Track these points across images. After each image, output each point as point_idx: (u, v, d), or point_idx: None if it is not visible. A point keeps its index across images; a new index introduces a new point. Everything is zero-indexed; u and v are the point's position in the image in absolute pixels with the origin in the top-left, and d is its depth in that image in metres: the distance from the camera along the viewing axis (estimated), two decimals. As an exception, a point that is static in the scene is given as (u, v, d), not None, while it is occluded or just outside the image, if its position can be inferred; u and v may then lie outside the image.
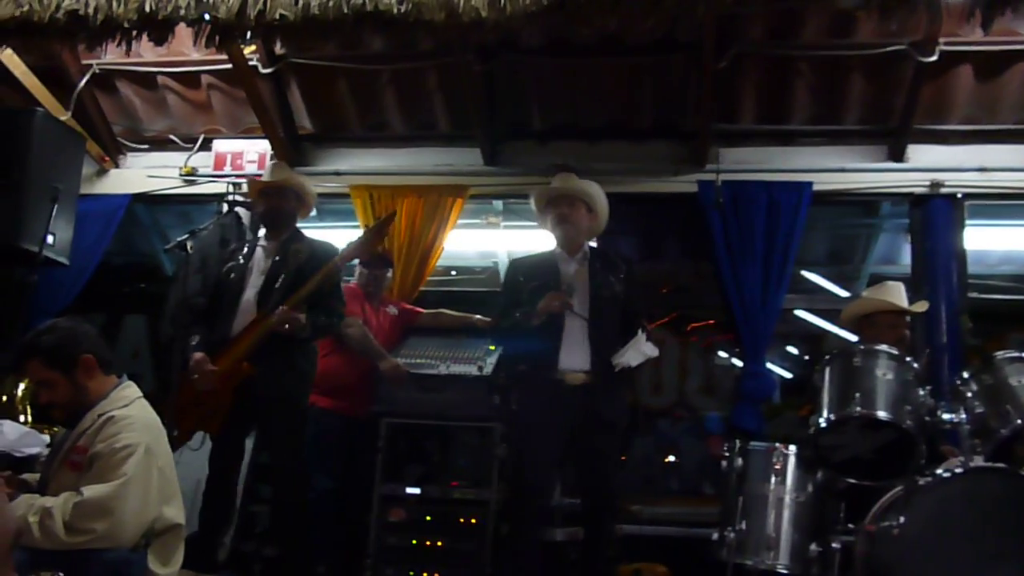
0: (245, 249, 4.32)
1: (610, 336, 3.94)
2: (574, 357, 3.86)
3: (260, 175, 4.85)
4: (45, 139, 4.93)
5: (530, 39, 5.09)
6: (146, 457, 2.73)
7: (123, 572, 2.66)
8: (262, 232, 4.48)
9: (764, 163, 5.38)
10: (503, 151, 5.69)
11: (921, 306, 4.33)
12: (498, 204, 5.92)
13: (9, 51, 5.01)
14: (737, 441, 3.75)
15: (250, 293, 4.16)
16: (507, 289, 4.19)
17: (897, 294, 4.16)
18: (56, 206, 4.80)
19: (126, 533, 2.65)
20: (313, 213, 5.71)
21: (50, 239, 4.82)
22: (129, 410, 2.83)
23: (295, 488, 4.11)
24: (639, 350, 3.87)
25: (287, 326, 3.97)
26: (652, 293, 6.39)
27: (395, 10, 3.37)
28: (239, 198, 5.60)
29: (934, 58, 4.84)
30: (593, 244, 4.28)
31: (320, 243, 4.35)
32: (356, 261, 4.86)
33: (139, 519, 2.69)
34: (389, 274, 5.05)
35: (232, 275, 4.22)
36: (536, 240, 5.17)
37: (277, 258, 4.20)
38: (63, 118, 5.45)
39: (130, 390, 2.94)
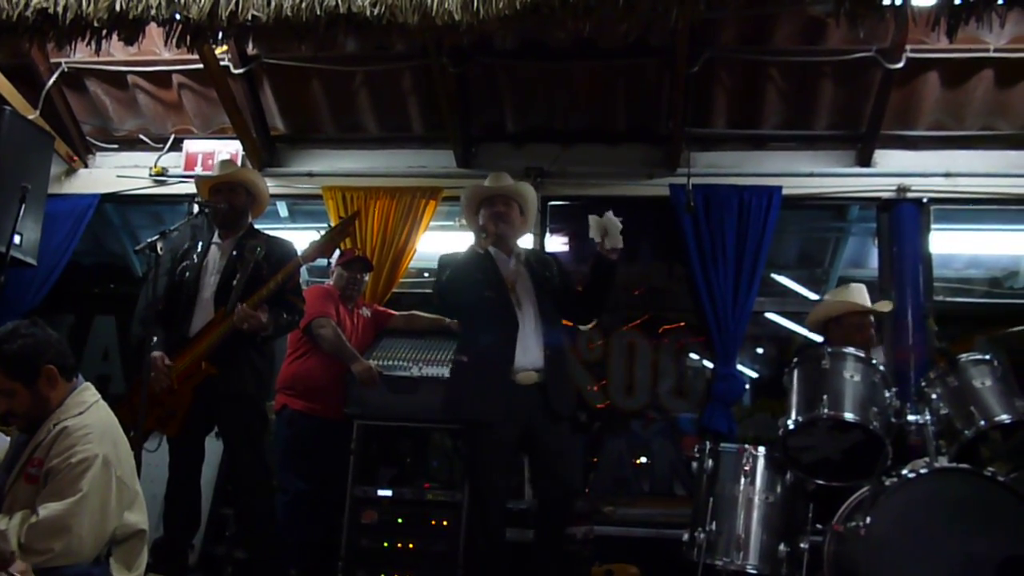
0: (199, 248, 4.25)
1: (557, 333, 3.95)
2: (527, 356, 3.84)
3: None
4: (13, 138, 4.86)
5: (504, 42, 5.11)
6: (103, 469, 2.66)
7: (87, 587, 2.60)
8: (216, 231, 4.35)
9: (735, 167, 5.44)
10: (477, 153, 5.70)
11: (885, 306, 4.40)
12: (473, 206, 5.92)
13: (-24, 49, 4.94)
14: (708, 443, 3.79)
15: (207, 292, 4.10)
16: (444, 287, 3.99)
17: (860, 295, 4.22)
18: (24, 206, 4.74)
19: (84, 549, 2.59)
20: (284, 214, 5.67)
21: (17, 239, 4.75)
22: (85, 418, 2.75)
23: (258, 488, 4.07)
24: (614, 228, 3.82)
25: (246, 325, 3.94)
26: (625, 295, 6.43)
27: (368, 12, 3.37)
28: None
29: (901, 65, 4.92)
30: (522, 245, 4.23)
31: (276, 239, 4.28)
32: (334, 262, 4.85)
33: (97, 533, 2.63)
34: (366, 277, 5.04)
35: (187, 274, 4.15)
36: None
37: (234, 255, 4.13)
38: (31, 117, 5.38)
39: (87, 394, 2.86)
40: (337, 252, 4.72)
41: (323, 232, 4.34)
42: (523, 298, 3.93)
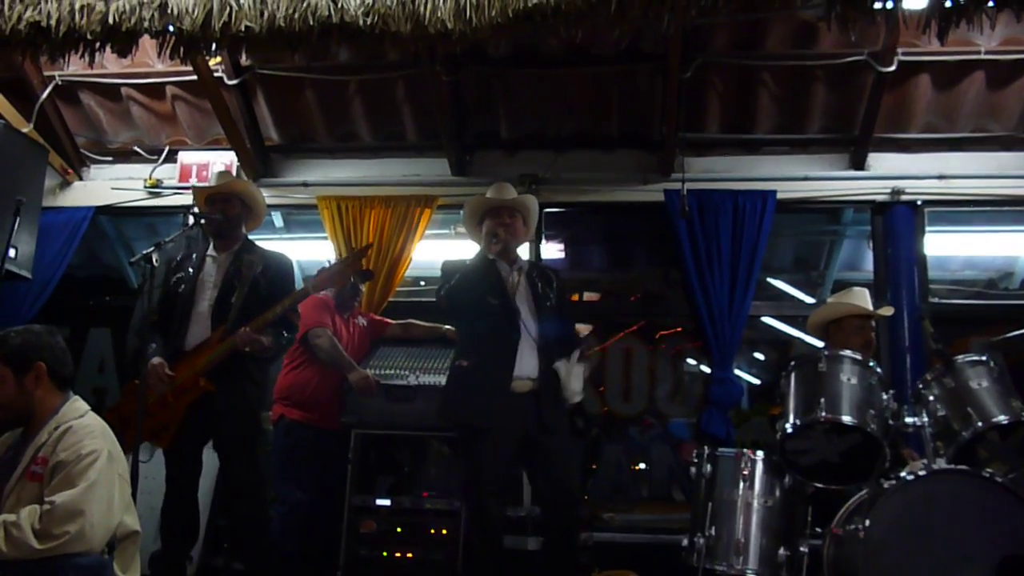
0: (194, 260, 4.24)
1: (553, 344, 4.01)
2: (523, 365, 3.90)
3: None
4: (6, 151, 4.86)
5: (497, 50, 5.12)
6: (108, 463, 2.76)
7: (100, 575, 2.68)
8: (211, 243, 4.35)
9: (729, 172, 5.46)
10: (471, 161, 5.71)
11: (887, 310, 4.40)
12: (466, 214, 5.92)
13: (-31, 63, 4.95)
14: (706, 447, 3.78)
15: (203, 305, 4.10)
16: (451, 292, 4.02)
17: (863, 298, 4.22)
18: (18, 219, 4.74)
19: (96, 536, 2.66)
20: (280, 224, 5.66)
21: (12, 252, 4.75)
22: (85, 420, 2.86)
23: (252, 500, 4.05)
24: (579, 375, 3.97)
25: (249, 348, 3.94)
26: (621, 301, 6.43)
27: (361, 22, 3.37)
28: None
29: (893, 68, 4.94)
30: (524, 256, 4.31)
31: (274, 254, 4.28)
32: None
33: (106, 523, 2.71)
34: (363, 288, 5.03)
35: (182, 287, 4.15)
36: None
37: (232, 269, 4.14)
38: (25, 130, 5.38)
39: (80, 403, 2.96)
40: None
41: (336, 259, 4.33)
42: (522, 308, 3.99)
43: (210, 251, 4.26)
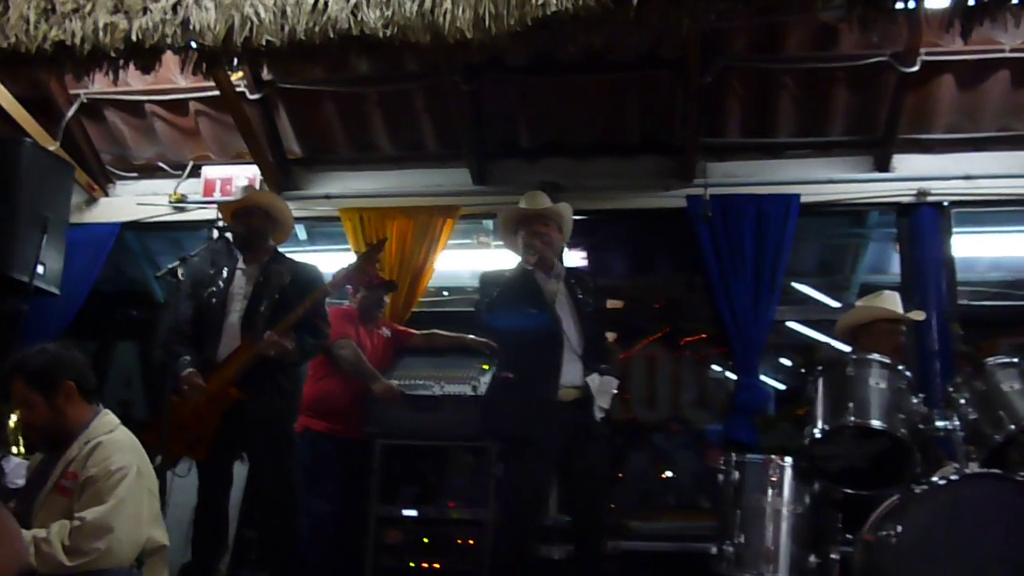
0: (225, 273, 4.29)
1: (595, 351, 4.02)
2: (568, 374, 3.91)
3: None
4: (34, 169, 4.93)
5: (516, 58, 5.12)
6: (138, 479, 2.78)
7: (128, 591, 2.70)
8: (240, 256, 4.41)
9: (751, 176, 5.42)
10: (492, 170, 5.71)
11: (918, 315, 4.34)
12: (488, 223, 5.93)
13: (-4, 82, 5.02)
14: (733, 454, 3.75)
15: (234, 317, 4.14)
16: (493, 305, 4.05)
17: (894, 302, 4.18)
18: (46, 236, 4.80)
19: (124, 552, 2.68)
20: (303, 237, 5.70)
21: (40, 269, 4.81)
22: (115, 435, 2.88)
23: (283, 512, 4.08)
24: (607, 392, 3.96)
25: (272, 352, 3.96)
26: (645, 308, 6.40)
27: (380, 33, 3.38)
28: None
29: (916, 68, 4.89)
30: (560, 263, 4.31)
31: (303, 265, 4.32)
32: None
33: (134, 539, 2.72)
34: (387, 298, 5.05)
35: (213, 300, 4.19)
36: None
37: (260, 280, 4.17)
38: (51, 148, 5.46)
39: (110, 417, 2.97)
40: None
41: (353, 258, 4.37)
42: (563, 316, 3.99)
43: (240, 264, 4.31)
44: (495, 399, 4.07)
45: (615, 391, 4.02)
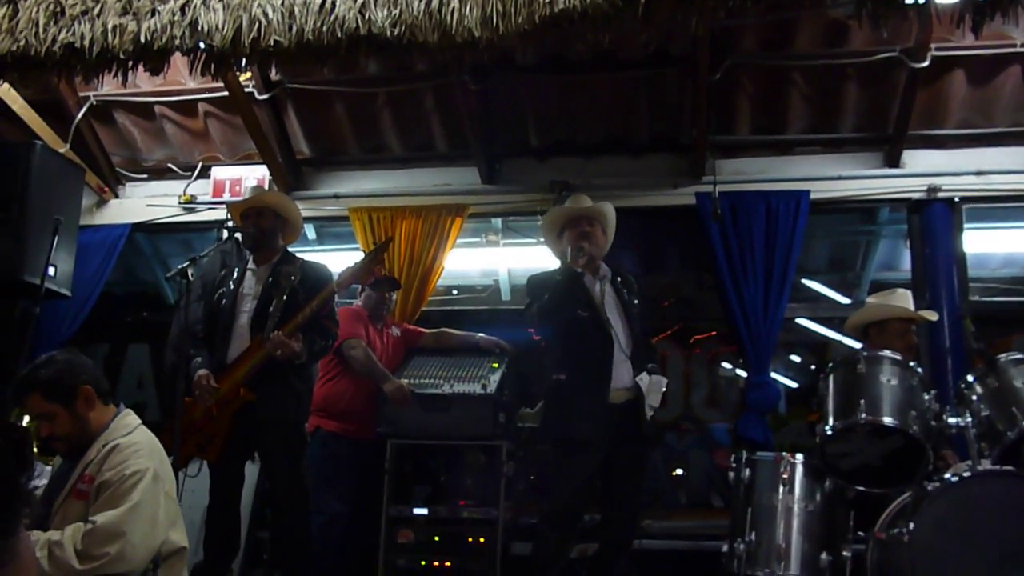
0: (235, 275, 4.30)
1: (643, 351, 4.05)
2: (619, 375, 3.93)
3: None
4: (44, 172, 4.94)
5: (525, 57, 5.12)
6: (154, 483, 2.76)
7: (138, 596, 2.68)
8: (250, 257, 4.42)
9: (761, 173, 5.40)
10: (501, 169, 5.71)
11: (931, 315, 4.32)
12: (497, 222, 5.93)
13: (6, 85, 5.03)
14: (744, 452, 3.75)
15: (243, 318, 4.14)
16: (544, 307, 4.03)
17: (907, 301, 4.16)
18: (57, 238, 4.81)
19: (137, 557, 2.67)
20: (313, 236, 5.70)
21: (52, 271, 4.82)
22: (133, 437, 2.86)
23: (295, 512, 4.08)
24: (658, 390, 3.98)
25: (280, 352, 3.97)
26: (655, 306, 6.39)
27: (389, 33, 3.38)
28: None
29: (926, 64, 4.86)
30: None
31: (312, 264, 4.32)
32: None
33: (148, 543, 2.71)
34: (395, 297, 5.06)
35: (223, 301, 4.20)
36: (537, 257, 5.18)
37: (270, 280, 4.18)
38: (62, 150, 5.48)
39: (130, 418, 2.96)
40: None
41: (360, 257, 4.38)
42: (612, 317, 4.02)
43: (249, 264, 4.32)
44: (549, 402, 4.08)
45: (664, 389, 4.04)
